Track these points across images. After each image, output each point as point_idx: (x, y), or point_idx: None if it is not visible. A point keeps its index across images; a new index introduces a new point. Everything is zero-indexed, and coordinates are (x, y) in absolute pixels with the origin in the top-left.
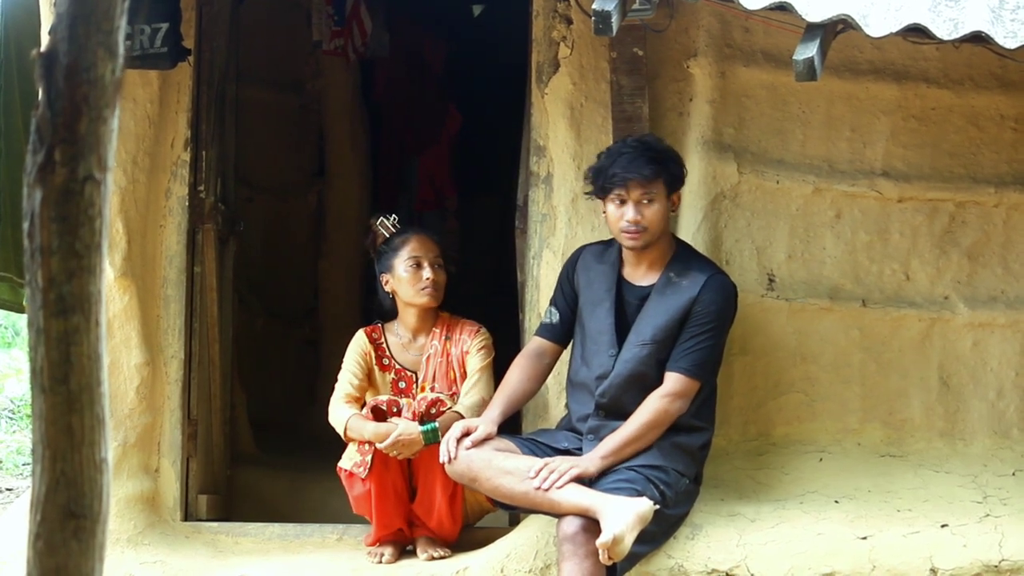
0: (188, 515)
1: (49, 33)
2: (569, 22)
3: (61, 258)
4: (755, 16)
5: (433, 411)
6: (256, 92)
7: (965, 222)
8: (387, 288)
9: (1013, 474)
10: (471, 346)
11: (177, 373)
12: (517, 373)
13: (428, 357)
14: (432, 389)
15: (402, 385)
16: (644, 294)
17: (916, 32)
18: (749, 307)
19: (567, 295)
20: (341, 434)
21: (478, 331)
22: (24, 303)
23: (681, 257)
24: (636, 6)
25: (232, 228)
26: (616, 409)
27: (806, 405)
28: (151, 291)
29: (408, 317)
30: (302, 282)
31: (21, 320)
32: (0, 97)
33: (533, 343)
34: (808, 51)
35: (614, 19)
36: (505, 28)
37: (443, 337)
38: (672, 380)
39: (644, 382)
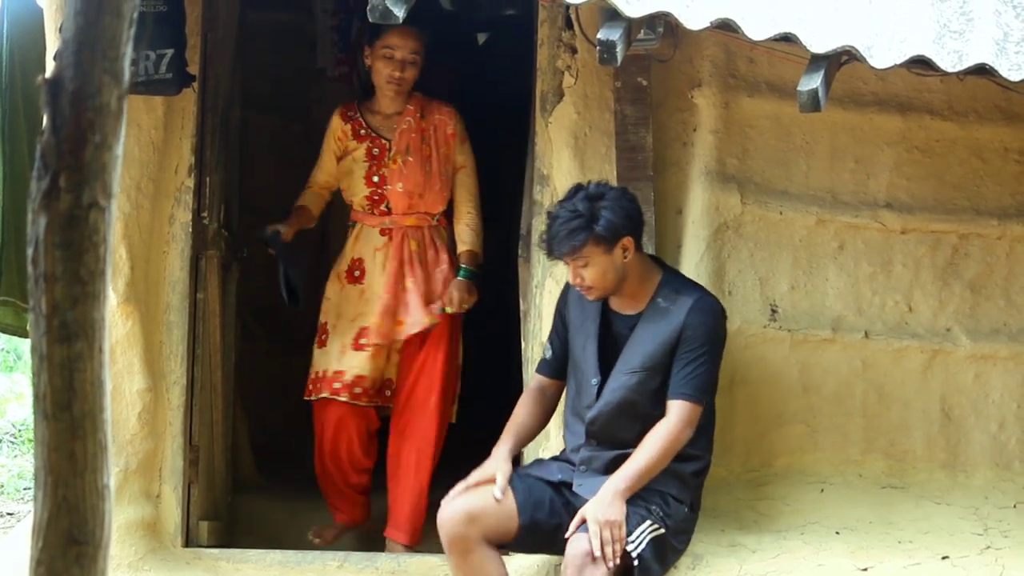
0: (189, 541)
1: (54, 59)
2: (574, 51)
3: (65, 284)
4: (760, 46)
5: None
6: (260, 118)
7: (968, 254)
8: (367, 62)
9: (1014, 506)
10: (454, 129)
11: (179, 399)
12: (523, 411)
13: (402, 131)
14: (407, 163)
15: (375, 152)
16: (633, 323)
17: (920, 64)
18: (751, 337)
19: (559, 330)
20: None
21: (454, 113)
22: (28, 328)
23: (669, 282)
24: (641, 36)
25: (235, 254)
26: (607, 438)
27: (808, 436)
28: (154, 317)
29: (381, 96)
30: (305, 308)
31: (23, 344)
32: (5, 122)
33: (535, 380)
34: (812, 82)
35: (619, 49)
36: (509, 57)
37: (417, 115)
38: (676, 408)
39: (634, 410)
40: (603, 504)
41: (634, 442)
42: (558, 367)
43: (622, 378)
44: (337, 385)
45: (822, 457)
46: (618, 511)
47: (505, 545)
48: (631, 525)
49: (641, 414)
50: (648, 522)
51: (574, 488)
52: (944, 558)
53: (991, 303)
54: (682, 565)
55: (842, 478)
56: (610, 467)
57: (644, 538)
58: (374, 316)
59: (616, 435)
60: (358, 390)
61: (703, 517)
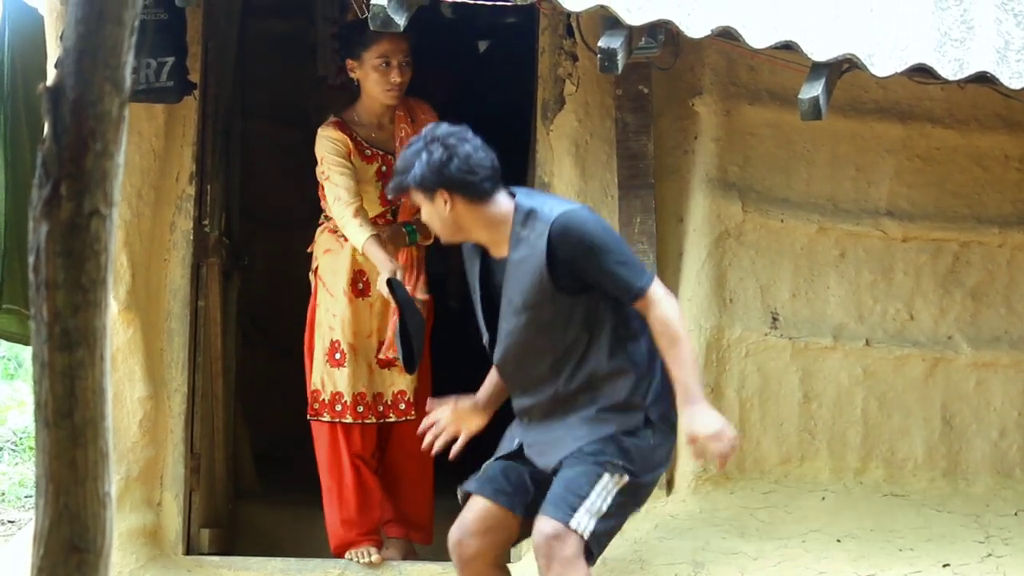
0: (190, 549)
1: (56, 67)
2: (575, 59)
3: (66, 292)
4: (761, 54)
5: None
6: (261, 126)
7: (969, 262)
8: (353, 75)
9: (1015, 514)
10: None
11: (180, 407)
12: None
13: (402, 140)
14: None
15: (384, 169)
16: (504, 265)
17: (921, 72)
18: (752, 345)
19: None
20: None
21: (431, 108)
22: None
23: (520, 209)
24: (642, 44)
25: (236, 262)
26: (526, 382)
27: (808, 443)
28: (155, 325)
29: (375, 106)
30: (306, 316)
31: (24, 352)
32: (7, 130)
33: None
34: (813, 90)
35: (620, 57)
36: (510, 64)
37: (408, 120)
38: (645, 302)
39: (536, 347)
40: (696, 419)
41: (550, 372)
42: None
43: (512, 320)
44: (360, 408)
45: (823, 465)
46: (715, 418)
47: (520, 536)
48: (584, 490)
49: (546, 346)
50: (605, 477)
51: (526, 452)
52: (945, 566)
53: (992, 311)
54: (683, 573)
55: (843, 486)
56: (549, 409)
57: (607, 496)
58: (392, 329)
59: (531, 375)
60: (380, 407)
61: (703, 525)
